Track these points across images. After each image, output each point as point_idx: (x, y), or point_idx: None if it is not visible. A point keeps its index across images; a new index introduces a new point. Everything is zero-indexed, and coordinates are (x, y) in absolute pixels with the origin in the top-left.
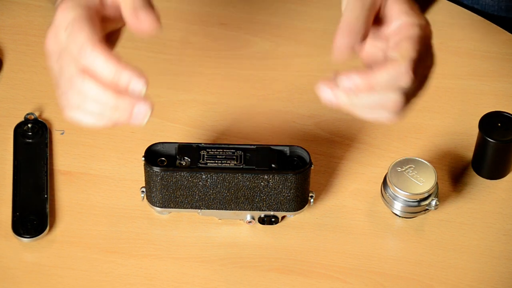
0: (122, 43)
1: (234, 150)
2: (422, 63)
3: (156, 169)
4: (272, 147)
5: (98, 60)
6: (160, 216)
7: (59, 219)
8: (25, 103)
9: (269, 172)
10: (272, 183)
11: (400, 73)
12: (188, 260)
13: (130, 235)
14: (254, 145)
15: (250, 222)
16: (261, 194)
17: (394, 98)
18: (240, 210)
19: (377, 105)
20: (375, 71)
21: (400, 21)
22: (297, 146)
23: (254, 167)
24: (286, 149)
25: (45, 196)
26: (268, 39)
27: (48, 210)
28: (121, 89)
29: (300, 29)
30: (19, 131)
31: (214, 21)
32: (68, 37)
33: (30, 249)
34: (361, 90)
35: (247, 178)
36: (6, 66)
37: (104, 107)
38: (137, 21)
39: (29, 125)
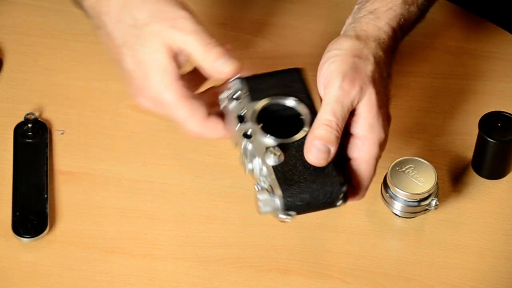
0: None
1: None
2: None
3: None
4: None
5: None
6: (160, 216)
7: (59, 219)
8: (25, 103)
9: None
10: None
11: None
12: (188, 260)
13: (130, 235)
14: None
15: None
16: None
17: None
18: None
19: None
20: None
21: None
22: None
23: None
24: None
25: (45, 196)
26: (268, 39)
27: (48, 210)
28: None
29: (300, 29)
30: (19, 131)
31: (214, 21)
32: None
33: (30, 249)
34: None
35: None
36: (6, 66)
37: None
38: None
39: (29, 125)
